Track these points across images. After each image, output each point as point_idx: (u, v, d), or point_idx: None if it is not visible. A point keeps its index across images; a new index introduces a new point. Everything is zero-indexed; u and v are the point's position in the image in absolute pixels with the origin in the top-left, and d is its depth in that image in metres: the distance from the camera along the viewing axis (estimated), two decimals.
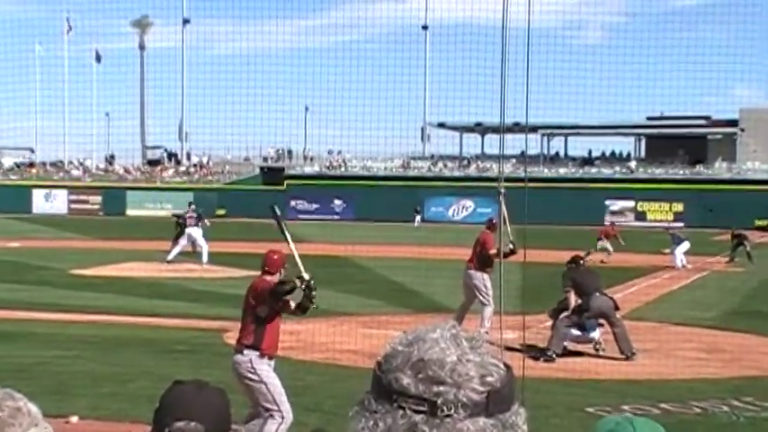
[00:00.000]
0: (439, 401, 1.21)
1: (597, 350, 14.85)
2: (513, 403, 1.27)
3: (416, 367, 1.23)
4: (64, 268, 27.55)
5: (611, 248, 33.10)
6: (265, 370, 8.69)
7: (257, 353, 8.66)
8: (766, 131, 70.13)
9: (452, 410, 1.21)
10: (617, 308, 14.97)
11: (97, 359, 13.77)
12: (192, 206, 31.87)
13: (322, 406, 10.70)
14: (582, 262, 15.51)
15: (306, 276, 8.72)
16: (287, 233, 9.12)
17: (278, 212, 9.29)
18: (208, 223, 31.74)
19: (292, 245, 9.11)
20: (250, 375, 8.62)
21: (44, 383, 11.31)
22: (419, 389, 1.22)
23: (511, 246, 15.08)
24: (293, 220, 60.28)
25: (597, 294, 14.70)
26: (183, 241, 29.92)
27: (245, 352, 8.68)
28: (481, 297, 15.85)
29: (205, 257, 29.06)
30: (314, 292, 8.80)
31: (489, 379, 1.24)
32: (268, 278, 8.85)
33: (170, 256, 29.41)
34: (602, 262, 31.42)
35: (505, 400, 1.25)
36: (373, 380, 1.27)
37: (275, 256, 8.94)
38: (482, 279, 15.91)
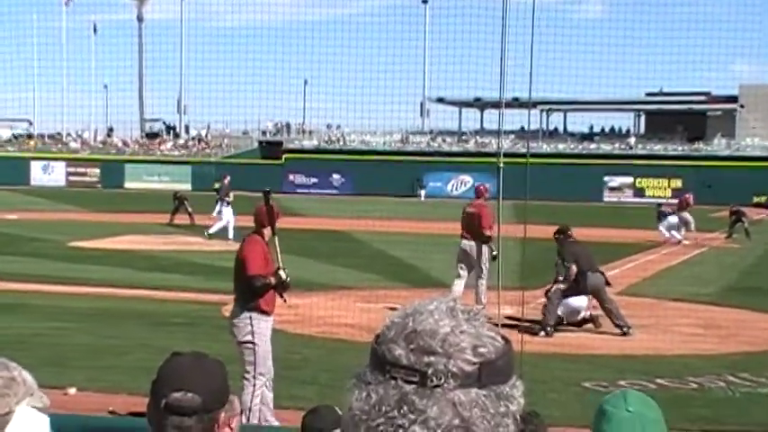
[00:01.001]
0: (429, 371, 1.21)
1: (594, 321, 14.82)
2: (510, 376, 1.26)
3: (409, 338, 1.23)
4: (62, 240, 27.56)
5: (692, 219, 31.75)
6: (262, 329, 8.84)
7: (257, 311, 8.81)
8: (766, 108, 70.00)
9: (442, 380, 1.21)
10: (608, 284, 14.97)
11: (95, 331, 13.81)
12: (228, 179, 31.29)
13: (319, 379, 10.74)
14: (569, 233, 15.39)
15: (283, 275, 8.86)
16: (275, 225, 9.10)
17: (270, 199, 9.16)
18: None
19: (276, 239, 9.12)
20: (246, 332, 8.78)
21: (42, 355, 11.33)
22: (410, 359, 1.22)
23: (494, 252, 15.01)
24: (291, 193, 60.26)
25: (591, 273, 14.70)
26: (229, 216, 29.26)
27: (246, 310, 8.80)
28: (482, 269, 15.53)
29: (220, 231, 28.78)
30: (285, 291, 9.03)
31: (482, 350, 1.23)
32: (266, 232, 9.01)
33: (231, 234, 28.09)
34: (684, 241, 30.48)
35: (501, 372, 1.24)
36: (370, 352, 1.27)
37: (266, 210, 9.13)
38: (483, 251, 15.63)
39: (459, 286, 15.73)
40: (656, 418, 2.85)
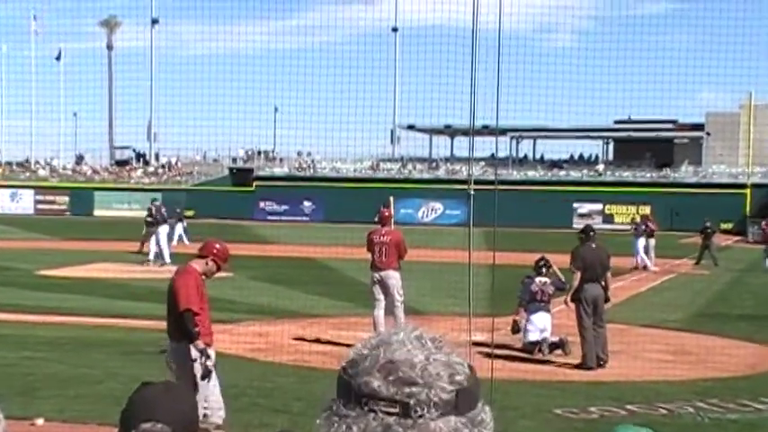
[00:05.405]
0: (411, 402, 1.21)
1: (563, 346, 14.59)
2: (479, 400, 1.28)
3: (386, 369, 1.23)
4: (30, 269, 27.29)
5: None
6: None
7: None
8: (731, 135, 70.80)
9: (425, 410, 1.21)
10: (607, 299, 14.62)
11: (64, 360, 13.65)
12: (157, 202, 32.69)
13: (290, 408, 10.68)
14: (591, 234, 14.89)
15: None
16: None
17: None
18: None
19: None
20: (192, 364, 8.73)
21: (10, 385, 11.21)
22: (390, 391, 1.22)
23: None
24: (262, 221, 60.06)
25: (589, 284, 14.14)
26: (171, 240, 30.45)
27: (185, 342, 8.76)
28: (399, 297, 15.13)
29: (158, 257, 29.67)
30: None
31: (458, 378, 1.24)
32: (198, 266, 8.94)
33: (167, 259, 29.11)
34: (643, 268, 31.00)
35: (473, 398, 1.26)
36: (340, 385, 1.27)
37: (216, 245, 9.09)
38: (399, 278, 15.26)
39: (381, 310, 15.17)
40: None
